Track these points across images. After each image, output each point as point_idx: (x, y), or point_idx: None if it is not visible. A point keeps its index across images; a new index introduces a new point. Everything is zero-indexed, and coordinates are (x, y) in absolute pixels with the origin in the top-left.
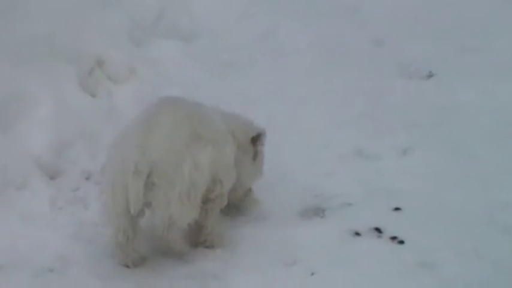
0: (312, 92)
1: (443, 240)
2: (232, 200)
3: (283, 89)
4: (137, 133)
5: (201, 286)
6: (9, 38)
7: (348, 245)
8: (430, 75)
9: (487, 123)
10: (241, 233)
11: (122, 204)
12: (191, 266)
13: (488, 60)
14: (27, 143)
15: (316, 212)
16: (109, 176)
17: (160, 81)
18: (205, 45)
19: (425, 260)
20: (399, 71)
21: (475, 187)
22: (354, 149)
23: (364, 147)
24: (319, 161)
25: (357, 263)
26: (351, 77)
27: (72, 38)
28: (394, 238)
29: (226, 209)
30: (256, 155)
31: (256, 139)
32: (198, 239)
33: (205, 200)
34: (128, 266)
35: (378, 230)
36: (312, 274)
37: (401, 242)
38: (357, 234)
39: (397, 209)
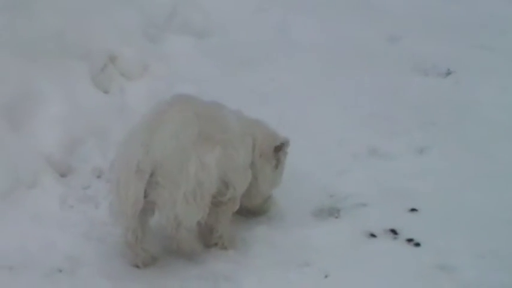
0: (326, 89)
1: (462, 242)
2: (251, 208)
3: (296, 86)
4: (143, 131)
5: (212, 287)
6: (20, 34)
7: (362, 246)
8: (448, 73)
9: (506, 121)
10: (254, 234)
11: (128, 203)
12: (202, 266)
13: (507, 58)
14: (38, 141)
15: (330, 212)
16: (115, 175)
17: (173, 77)
18: (218, 42)
19: (443, 262)
20: (415, 68)
21: (494, 187)
22: (369, 147)
23: (379, 146)
24: (333, 160)
25: (371, 265)
26: (365, 74)
27: (84, 34)
28: (410, 240)
29: (240, 209)
30: (278, 164)
31: (279, 148)
32: (210, 241)
33: (217, 203)
34: (137, 266)
35: (393, 231)
36: (326, 276)
37: (418, 244)
38: (372, 235)
39: (413, 209)
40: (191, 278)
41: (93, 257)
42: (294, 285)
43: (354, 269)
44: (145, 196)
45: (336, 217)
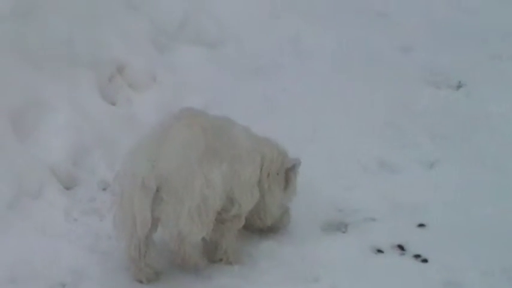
0: (336, 100)
1: (470, 259)
2: (260, 226)
3: (307, 96)
4: (149, 145)
5: None
6: (28, 42)
7: (369, 262)
8: (459, 85)
9: None
10: (260, 248)
11: (132, 218)
12: (208, 281)
13: None
14: (44, 151)
15: (338, 226)
16: (120, 188)
17: (182, 88)
18: (230, 52)
19: (450, 279)
20: (427, 80)
21: (505, 203)
22: (378, 160)
23: (388, 159)
24: (342, 172)
25: (378, 281)
26: (376, 85)
27: (92, 43)
28: (417, 256)
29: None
30: (288, 185)
31: (291, 170)
32: (214, 257)
33: (222, 220)
34: (141, 282)
35: (400, 247)
36: None
37: (425, 260)
38: (379, 251)
39: (421, 225)
40: None
41: (97, 271)
42: None
43: (362, 284)
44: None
45: (344, 232)
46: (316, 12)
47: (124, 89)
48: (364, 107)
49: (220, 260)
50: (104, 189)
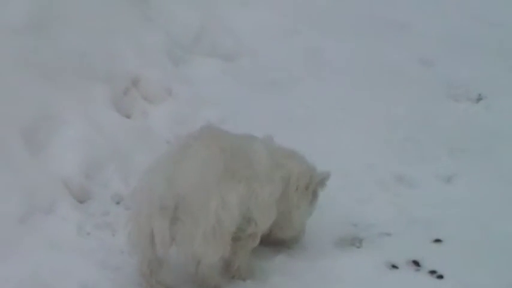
0: (354, 114)
1: (487, 275)
2: (278, 237)
3: (325, 109)
4: (167, 164)
5: None
6: (42, 55)
7: (384, 278)
8: (479, 98)
9: None
10: (273, 263)
11: (147, 235)
12: None
13: None
14: (57, 165)
15: (353, 242)
16: (136, 205)
17: (197, 101)
18: (247, 65)
19: None
20: (447, 93)
21: None
22: (395, 174)
23: (405, 173)
24: (358, 186)
25: None
26: (395, 98)
27: (107, 55)
28: (433, 272)
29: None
30: (313, 199)
31: (318, 184)
32: (227, 274)
33: (236, 238)
34: None
35: (416, 262)
36: None
37: (441, 276)
38: (394, 266)
39: (437, 240)
40: None
41: (108, 286)
42: None
43: None
44: None
45: (358, 247)
46: (335, 24)
47: (139, 102)
48: (383, 120)
49: (233, 276)
50: (118, 203)
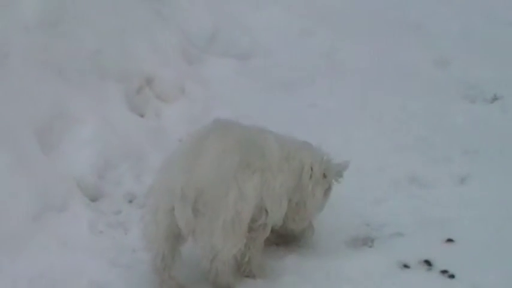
0: (368, 114)
1: (499, 276)
2: (293, 232)
3: (339, 109)
4: (185, 158)
5: None
6: (56, 54)
7: (395, 278)
8: (494, 99)
9: None
10: (284, 263)
11: (164, 229)
12: None
13: None
14: (70, 163)
15: (365, 241)
16: (153, 200)
17: (211, 101)
18: (262, 64)
19: None
20: (461, 94)
21: None
22: (408, 175)
23: (419, 174)
24: (371, 186)
25: None
26: (410, 99)
27: (121, 54)
28: (444, 271)
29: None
30: (329, 190)
31: (336, 174)
32: (238, 270)
33: (248, 229)
34: None
35: (427, 262)
36: None
37: (452, 276)
38: (406, 266)
39: (449, 240)
40: None
41: (120, 285)
42: None
43: None
44: None
45: (370, 246)
46: (349, 25)
47: (152, 101)
48: (397, 121)
49: (243, 271)
50: (130, 201)
